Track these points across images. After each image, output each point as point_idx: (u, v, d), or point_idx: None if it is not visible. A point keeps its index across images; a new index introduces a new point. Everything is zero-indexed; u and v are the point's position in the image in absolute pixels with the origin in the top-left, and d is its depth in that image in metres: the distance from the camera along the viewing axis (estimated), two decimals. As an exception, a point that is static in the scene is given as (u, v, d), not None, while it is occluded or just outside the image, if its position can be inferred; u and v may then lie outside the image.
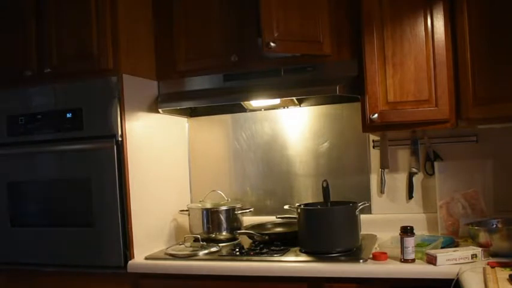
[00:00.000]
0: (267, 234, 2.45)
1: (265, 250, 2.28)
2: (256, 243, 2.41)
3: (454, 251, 1.95)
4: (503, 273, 1.69)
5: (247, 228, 2.58)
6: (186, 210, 2.62)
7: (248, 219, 2.70)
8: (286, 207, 2.38)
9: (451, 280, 1.78)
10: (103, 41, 2.33)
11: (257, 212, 2.74)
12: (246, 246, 2.39)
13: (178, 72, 2.59)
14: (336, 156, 2.67)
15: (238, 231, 2.53)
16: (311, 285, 2.05)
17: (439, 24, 2.17)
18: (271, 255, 2.20)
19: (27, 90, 2.48)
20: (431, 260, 1.91)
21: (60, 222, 2.42)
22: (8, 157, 2.51)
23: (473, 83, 2.08)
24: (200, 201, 2.73)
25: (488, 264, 1.83)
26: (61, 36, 2.41)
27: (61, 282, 2.41)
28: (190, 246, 2.44)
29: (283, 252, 2.23)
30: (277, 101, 2.65)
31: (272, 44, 2.21)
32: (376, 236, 2.47)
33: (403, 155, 2.58)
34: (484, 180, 2.36)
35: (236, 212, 2.57)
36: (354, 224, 2.19)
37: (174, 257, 2.32)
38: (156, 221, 2.54)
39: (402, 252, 1.98)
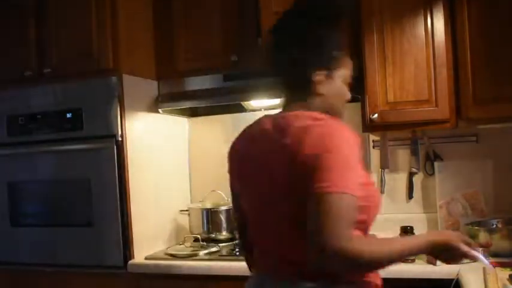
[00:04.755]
0: (267, 234, 2.44)
1: (265, 250, 2.27)
2: (256, 243, 2.41)
3: (454, 251, 1.94)
4: (503, 273, 1.69)
5: (247, 228, 2.57)
6: (186, 210, 2.62)
7: (248, 219, 2.69)
8: (286, 207, 2.37)
9: (451, 280, 1.78)
10: (103, 41, 2.33)
11: (257, 212, 2.73)
12: (246, 246, 2.39)
13: (178, 72, 2.58)
14: (336, 156, 2.66)
15: (238, 231, 2.53)
16: (311, 285, 2.04)
17: (439, 24, 2.16)
18: (271, 255, 2.19)
19: (27, 90, 2.47)
20: (431, 260, 1.91)
21: (60, 222, 2.42)
22: (8, 157, 2.51)
23: (473, 83, 2.08)
24: (200, 201, 2.72)
25: (488, 264, 1.83)
26: (61, 36, 2.41)
27: (61, 282, 2.41)
28: (190, 246, 2.43)
29: (283, 252, 2.23)
30: (277, 101, 2.64)
31: (272, 44, 2.20)
32: (376, 236, 2.46)
33: (403, 155, 2.58)
34: (484, 180, 2.35)
35: (236, 212, 2.57)
36: (354, 224, 2.19)
37: (174, 257, 2.31)
38: (156, 221, 2.54)
39: (402, 252, 1.97)
